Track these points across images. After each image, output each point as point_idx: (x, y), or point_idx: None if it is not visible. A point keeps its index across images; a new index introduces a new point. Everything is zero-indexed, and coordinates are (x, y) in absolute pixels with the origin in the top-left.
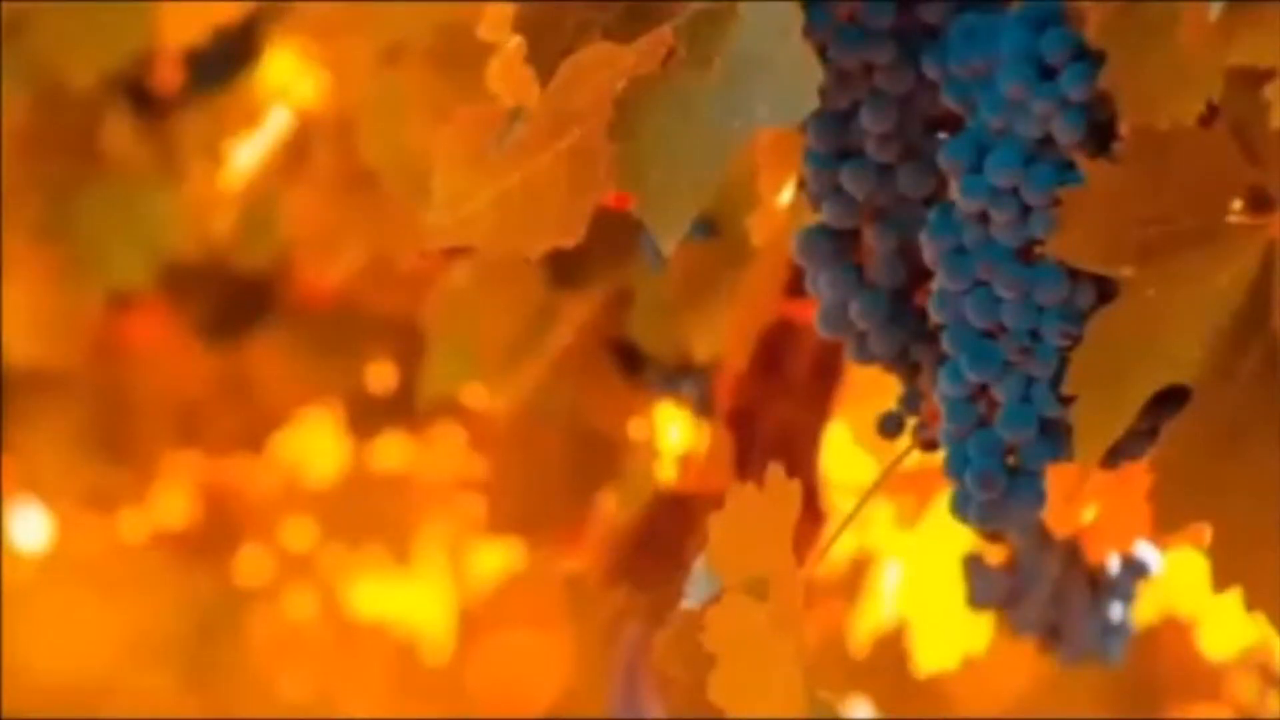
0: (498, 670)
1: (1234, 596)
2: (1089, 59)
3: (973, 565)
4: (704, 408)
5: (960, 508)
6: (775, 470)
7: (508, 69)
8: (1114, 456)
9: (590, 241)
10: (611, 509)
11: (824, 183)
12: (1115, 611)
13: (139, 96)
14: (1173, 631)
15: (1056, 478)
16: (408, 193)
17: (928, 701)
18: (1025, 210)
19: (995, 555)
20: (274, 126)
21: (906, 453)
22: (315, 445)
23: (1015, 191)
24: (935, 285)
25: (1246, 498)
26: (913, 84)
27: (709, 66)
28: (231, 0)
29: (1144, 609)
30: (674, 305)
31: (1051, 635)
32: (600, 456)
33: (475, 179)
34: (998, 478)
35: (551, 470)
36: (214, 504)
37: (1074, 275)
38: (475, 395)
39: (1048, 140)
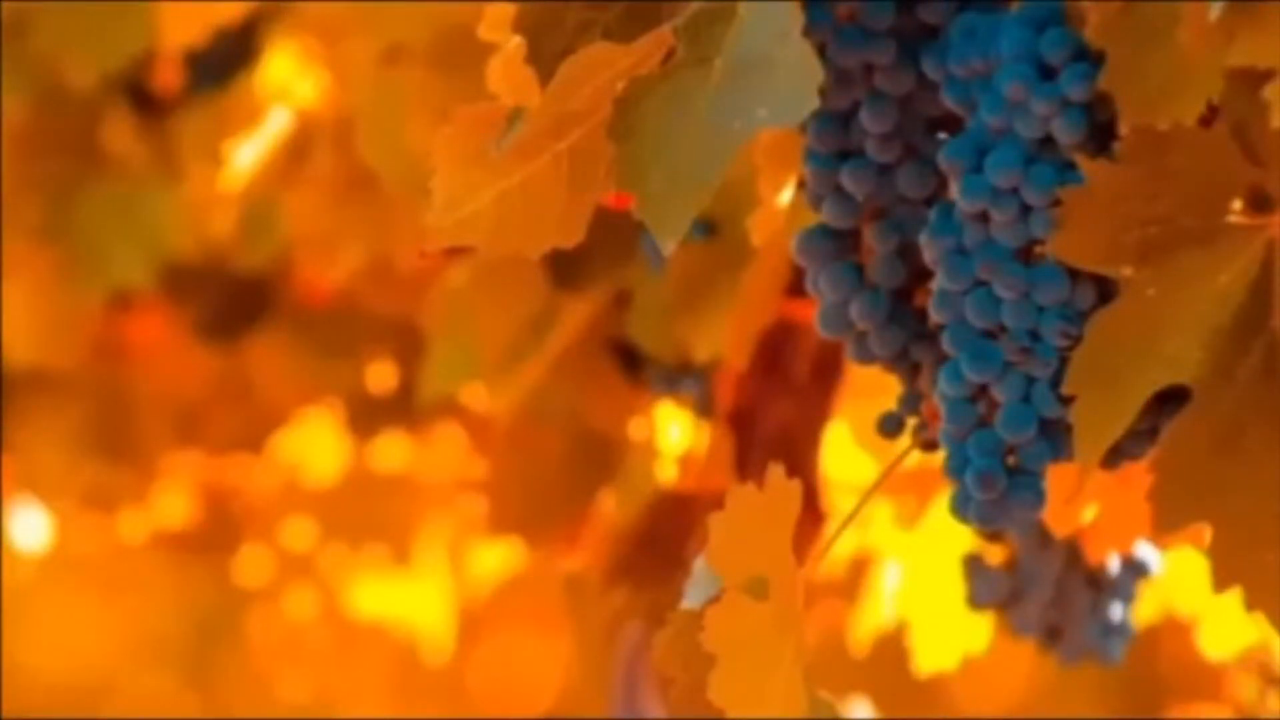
0: (498, 670)
1: (1234, 596)
2: (1089, 59)
3: (973, 565)
4: (704, 408)
5: (960, 508)
6: (775, 470)
7: (508, 69)
8: (1114, 456)
9: (590, 241)
10: (611, 509)
11: (824, 183)
12: (1115, 611)
13: (139, 96)
14: (1173, 631)
15: (1056, 478)
16: (408, 193)
17: (928, 701)
18: (1025, 210)
19: (995, 555)
20: (274, 126)
21: (906, 453)
22: (315, 445)
23: (1015, 191)
24: (935, 285)
25: (1246, 498)
26: (913, 84)
27: (709, 66)
28: (231, 0)
29: (1144, 609)
30: (674, 305)
31: (1051, 635)
32: (600, 456)
33: (475, 179)
34: (998, 478)
35: (551, 470)
36: (214, 504)
37: (1074, 275)
38: (475, 395)
39: (1048, 140)
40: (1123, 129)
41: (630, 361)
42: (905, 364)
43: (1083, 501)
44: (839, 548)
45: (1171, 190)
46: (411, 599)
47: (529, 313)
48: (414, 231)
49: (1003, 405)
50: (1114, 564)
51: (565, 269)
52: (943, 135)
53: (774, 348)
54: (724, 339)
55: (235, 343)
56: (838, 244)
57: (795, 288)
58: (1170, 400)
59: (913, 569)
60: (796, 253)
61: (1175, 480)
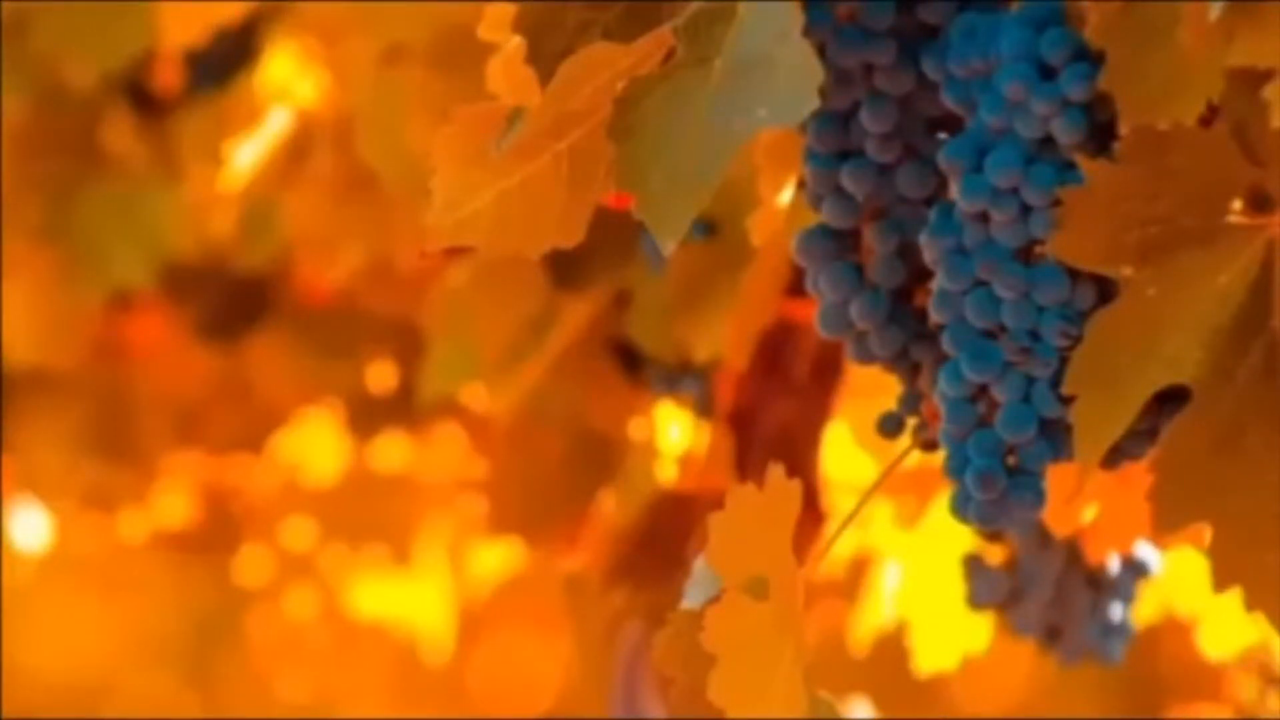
0: (498, 670)
1: (1234, 596)
2: (1089, 59)
3: (973, 565)
4: (704, 408)
5: (960, 508)
6: (775, 470)
7: (508, 69)
8: (1114, 456)
9: (590, 241)
10: (611, 509)
11: (824, 183)
12: (1115, 611)
13: (139, 96)
14: (1173, 631)
15: (1056, 478)
16: (408, 193)
17: (928, 701)
18: (1025, 210)
19: (995, 555)
20: (274, 126)
21: (906, 453)
22: (315, 445)
23: (1015, 191)
24: (935, 285)
25: (1246, 498)
26: (913, 84)
27: (709, 66)
28: (231, 0)
29: (1144, 609)
30: (674, 305)
31: (1051, 635)
32: (600, 456)
33: (475, 179)
34: (998, 478)
35: (551, 470)
36: (214, 504)
37: (1074, 275)
38: (475, 395)
39: (1048, 140)
40: (1123, 129)
41: (630, 361)
42: (905, 364)
43: (1083, 501)
44: (839, 548)
45: (1171, 190)
46: (411, 599)
47: (529, 313)
48: (414, 231)
49: (1003, 405)
50: (1114, 564)
51: (565, 269)
52: (943, 135)
53: (774, 348)
54: (724, 339)
55: (235, 343)
56: (838, 244)
57: (795, 288)
58: (1170, 400)
59: (913, 569)
60: (796, 253)
61: (1175, 480)
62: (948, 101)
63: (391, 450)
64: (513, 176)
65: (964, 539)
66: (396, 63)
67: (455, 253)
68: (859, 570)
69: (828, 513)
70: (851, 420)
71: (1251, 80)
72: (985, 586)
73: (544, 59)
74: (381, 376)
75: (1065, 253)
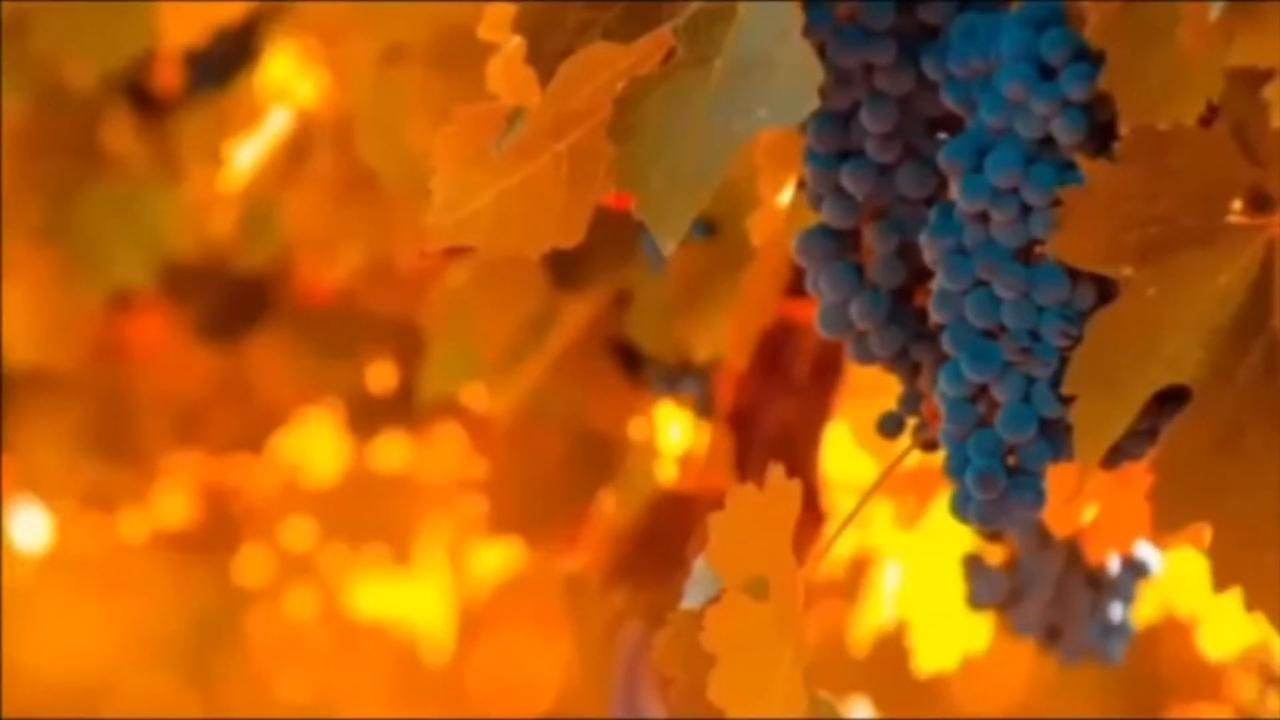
0: (498, 670)
1: (1234, 596)
2: (1089, 59)
3: (973, 565)
4: (704, 408)
5: (960, 508)
6: (775, 470)
7: (508, 69)
8: (1114, 456)
9: (590, 241)
10: (611, 509)
11: (824, 183)
12: (1115, 611)
13: (139, 96)
14: (1173, 631)
15: (1056, 478)
16: (408, 193)
17: (928, 701)
18: (1025, 210)
19: (995, 555)
20: (274, 126)
21: (906, 453)
22: (315, 445)
23: (1015, 191)
24: (935, 285)
25: (1246, 498)
26: (913, 84)
27: (709, 66)
28: (231, 0)
29: (1144, 609)
30: (674, 305)
31: (1051, 635)
32: (600, 456)
33: (475, 179)
34: (998, 478)
35: (551, 470)
36: (214, 504)
37: (1074, 275)
38: (475, 395)
39: (1048, 140)
40: (1123, 129)
41: (630, 361)
42: (905, 364)
43: (1083, 501)
44: (839, 548)
45: (1171, 190)
46: (411, 599)
47: (529, 313)
48: (414, 231)
49: (1003, 405)
50: (1114, 564)
51: (565, 269)
52: (943, 135)
53: (774, 348)
54: (724, 339)
55: (235, 343)
56: (838, 244)
57: (795, 288)
58: (1170, 400)
59: (913, 569)
60: (796, 253)
61: (1175, 480)
62: (948, 101)
63: (391, 450)
64: (513, 176)
65: (964, 539)
66: (396, 63)
67: (455, 253)
68: (859, 570)
69: (828, 513)
70: (851, 420)
71: (1251, 80)
72: (985, 586)
73: (544, 59)
74: (381, 376)
75: (1065, 253)
